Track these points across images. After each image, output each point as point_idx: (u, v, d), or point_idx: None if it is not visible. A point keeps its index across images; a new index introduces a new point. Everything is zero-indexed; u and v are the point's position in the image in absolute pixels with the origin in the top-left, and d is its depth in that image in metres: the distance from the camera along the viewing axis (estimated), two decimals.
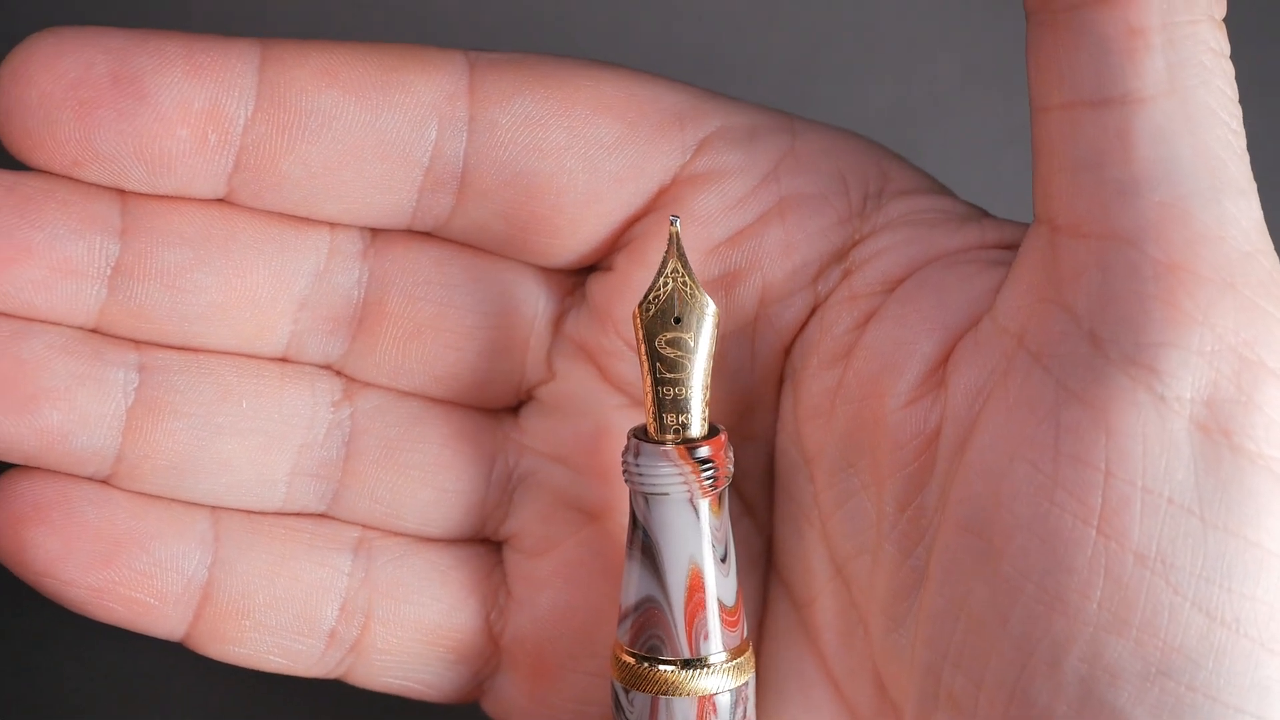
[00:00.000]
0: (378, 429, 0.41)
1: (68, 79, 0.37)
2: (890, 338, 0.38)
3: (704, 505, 0.38)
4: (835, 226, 0.39)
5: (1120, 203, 0.35)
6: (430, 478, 0.41)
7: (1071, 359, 0.35)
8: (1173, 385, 0.34)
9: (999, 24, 0.54)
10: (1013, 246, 0.39)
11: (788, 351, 0.40)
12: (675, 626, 0.38)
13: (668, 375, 0.38)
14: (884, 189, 0.40)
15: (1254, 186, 0.35)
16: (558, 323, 0.41)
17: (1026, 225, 0.38)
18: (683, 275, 0.38)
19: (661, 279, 0.38)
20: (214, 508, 0.40)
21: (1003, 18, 0.53)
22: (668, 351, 0.38)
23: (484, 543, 0.42)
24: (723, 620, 0.38)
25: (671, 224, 0.38)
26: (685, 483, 0.38)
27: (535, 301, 0.41)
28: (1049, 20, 0.36)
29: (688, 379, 0.38)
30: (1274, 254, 0.35)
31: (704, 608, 0.38)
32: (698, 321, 0.38)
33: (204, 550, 0.40)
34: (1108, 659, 0.35)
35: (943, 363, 0.37)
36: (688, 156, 0.39)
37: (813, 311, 0.39)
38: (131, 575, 0.39)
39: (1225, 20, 0.36)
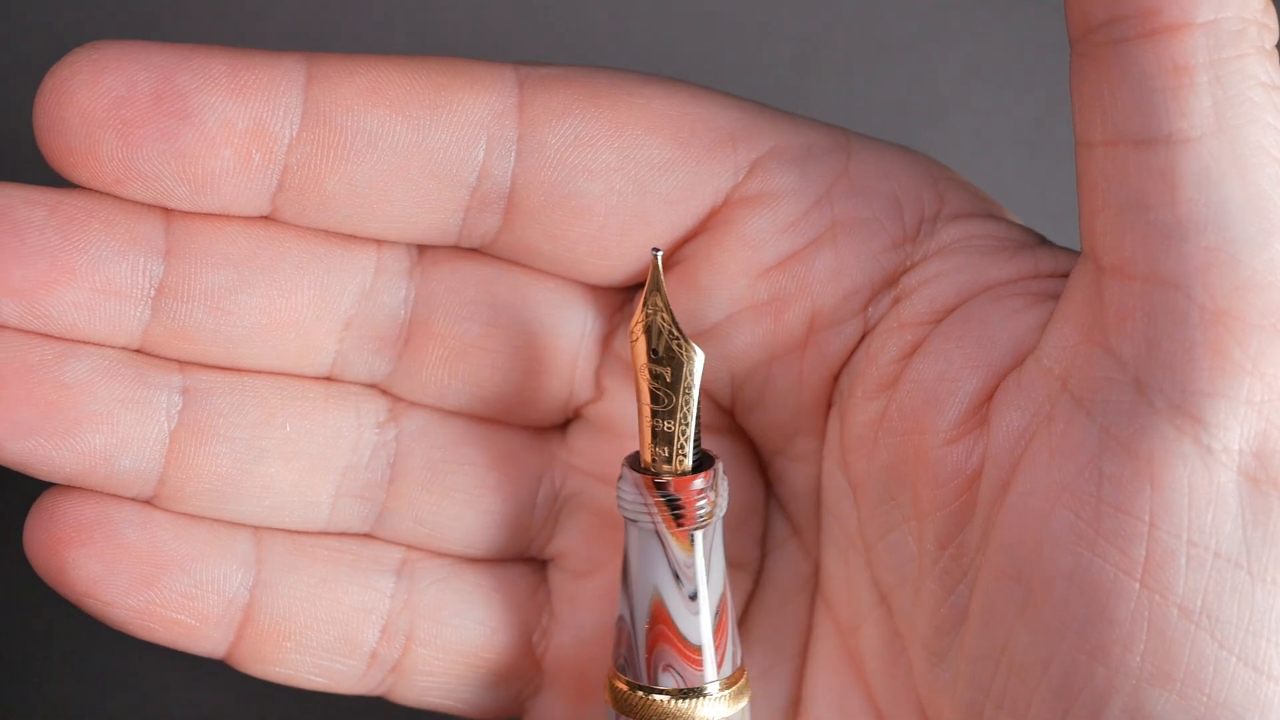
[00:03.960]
0: (423, 450, 0.40)
1: (110, 97, 0.37)
2: (934, 372, 0.37)
3: (671, 541, 0.38)
4: (887, 251, 0.39)
5: (1166, 246, 0.34)
6: (475, 500, 0.40)
7: (1116, 406, 0.34)
8: (1220, 436, 0.33)
9: (1001, 23, 0.53)
10: (1067, 276, 0.38)
11: (836, 378, 0.39)
12: (637, 650, 0.38)
13: (654, 407, 0.37)
14: (939, 212, 0.39)
15: None
16: (606, 341, 0.40)
17: (1079, 255, 0.37)
18: (662, 311, 0.37)
19: (644, 310, 0.37)
20: (256, 528, 0.40)
21: (1005, 16, 0.52)
22: (653, 384, 0.37)
23: (528, 561, 0.42)
24: (684, 657, 0.38)
25: (653, 254, 0.37)
26: (650, 515, 0.37)
27: (583, 320, 0.40)
28: (1091, 53, 0.34)
29: (669, 413, 0.37)
30: None
31: (665, 640, 0.38)
32: (674, 361, 0.37)
33: (246, 572, 0.39)
34: (1151, 712, 0.34)
35: (986, 401, 0.37)
36: (740, 178, 0.39)
37: (862, 338, 0.39)
38: (173, 597, 0.39)
39: None
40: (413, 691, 0.41)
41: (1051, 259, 0.38)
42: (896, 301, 0.38)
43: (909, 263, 0.39)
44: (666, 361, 0.37)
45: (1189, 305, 0.34)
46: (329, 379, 0.40)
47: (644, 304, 0.37)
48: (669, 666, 0.38)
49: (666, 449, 0.38)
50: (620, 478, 0.38)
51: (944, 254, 0.38)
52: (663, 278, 0.37)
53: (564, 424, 0.41)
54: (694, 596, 0.38)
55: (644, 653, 0.38)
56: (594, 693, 0.41)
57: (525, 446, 0.41)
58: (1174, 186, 0.34)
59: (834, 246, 0.38)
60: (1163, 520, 0.34)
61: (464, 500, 0.40)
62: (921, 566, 0.37)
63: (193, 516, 0.39)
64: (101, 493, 0.39)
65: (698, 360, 0.37)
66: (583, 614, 0.41)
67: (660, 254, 0.37)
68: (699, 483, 0.37)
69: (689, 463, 0.38)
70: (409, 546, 0.41)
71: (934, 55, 0.53)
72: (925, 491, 0.37)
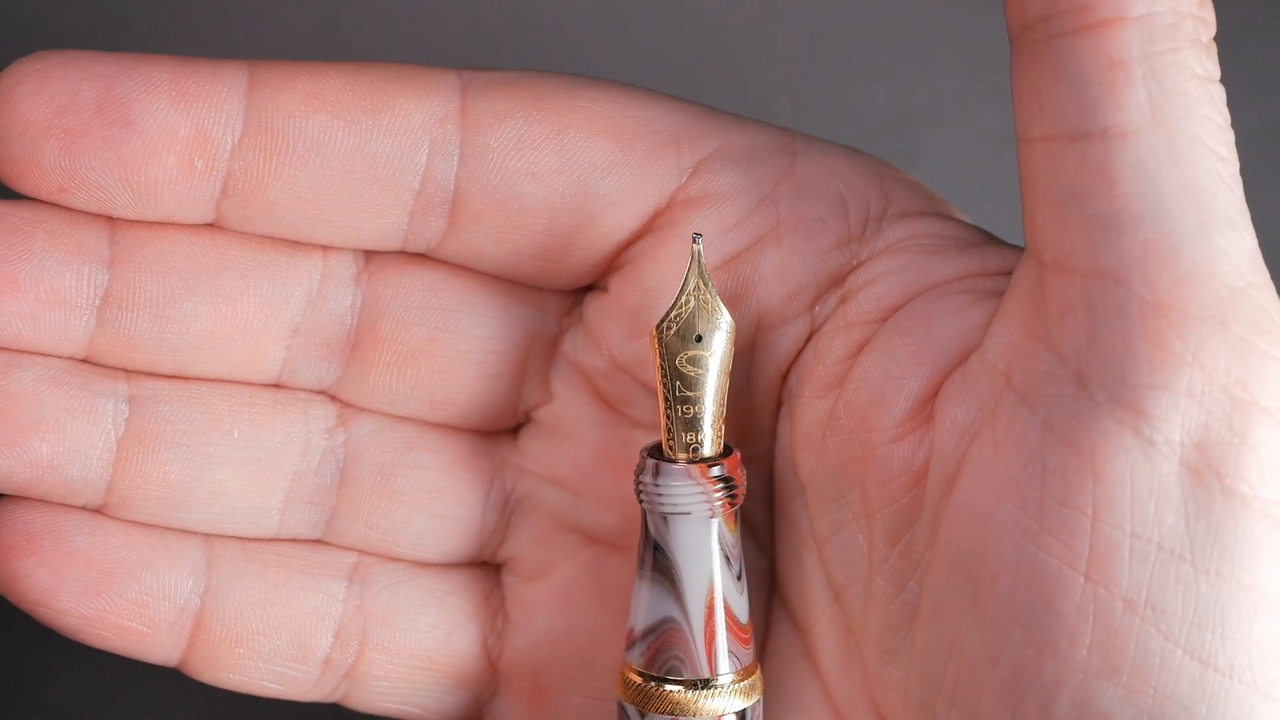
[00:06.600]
0: (373, 455, 0.40)
1: (53, 106, 0.37)
2: (879, 370, 0.37)
3: (723, 524, 0.38)
4: (833, 250, 0.39)
5: (1105, 239, 0.34)
6: (426, 504, 0.40)
7: (1058, 400, 0.34)
8: (1161, 428, 0.33)
9: (999, 25, 0.53)
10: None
11: (785, 377, 0.39)
12: (695, 646, 0.38)
13: (687, 393, 0.37)
14: (885, 211, 0.39)
15: (1246, 215, 0.34)
16: (555, 344, 0.41)
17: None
18: (704, 293, 0.37)
19: (684, 297, 0.37)
20: (207, 535, 0.40)
21: (1002, 19, 0.52)
22: (688, 370, 0.37)
23: (482, 566, 0.42)
24: (739, 639, 0.38)
25: (694, 242, 0.37)
26: (706, 501, 0.37)
27: (532, 323, 0.40)
28: (1028, 49, 0.34)
29: (704, 396, 0.37)
30: (1268, 286, 0.34)
31: (724, 627, 0.38)
32: (716, 336, 0.37)
33: (196, 578, 0.39)
34: (1099, 705, 0.34)
35: (931, 398, 0.37)
36: (684, 179, 0.39)
37: (809, 337, 0.39)
38: (123, 604, 0.39)
39: (1222, 19, 0.35)
40: (368, 697, 0.41)
41: (998, 257, 0.38)
42: (843, 300, 0.38)
43: (855, 261, 0.39)
44: (709, 345, 0.37)
45: (1128, 298, 0.34)
46: (277, 385, 0.40)
47: (682, 291, 0.37)
48: (728, 653, 0.38)
49: (696, 434, 0.38)
50: (656, 475, 0.37)
51: (890, 252, 0.38)
52: (704, 263, 0.38)
53: (515, 428, 0.41)
54: (740, 576, 0.38)
55: (704, 647, 0.38)
56: (550, 696, 0.41)
57: (476, 450, 0.41)
58: (1111, 180, 0.34)
59: (779, 246, 0.39)
60: (1105, 513, 0.34)
61: (415, 504, 0.40)
62: (872, 564, 0.37)
63: (142, 524, 0.39)
64: (50, 502, 0.39)
65: (728, 325, 0.38)
66: (536, 617, 0.41)
67: (700, 239, 0.37)
68: (738, 456, 0.38)
69: (721, 442, 0.38)
70: (361, 551, 0.41)
71: (934, 55, 0.53)
72: (873, 489, 0.37)
